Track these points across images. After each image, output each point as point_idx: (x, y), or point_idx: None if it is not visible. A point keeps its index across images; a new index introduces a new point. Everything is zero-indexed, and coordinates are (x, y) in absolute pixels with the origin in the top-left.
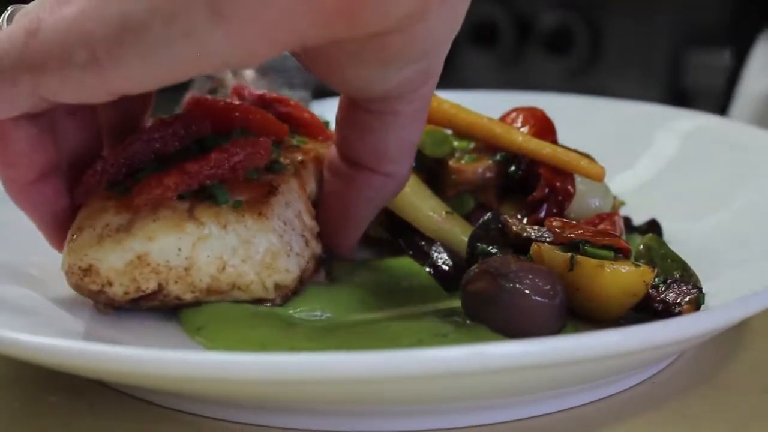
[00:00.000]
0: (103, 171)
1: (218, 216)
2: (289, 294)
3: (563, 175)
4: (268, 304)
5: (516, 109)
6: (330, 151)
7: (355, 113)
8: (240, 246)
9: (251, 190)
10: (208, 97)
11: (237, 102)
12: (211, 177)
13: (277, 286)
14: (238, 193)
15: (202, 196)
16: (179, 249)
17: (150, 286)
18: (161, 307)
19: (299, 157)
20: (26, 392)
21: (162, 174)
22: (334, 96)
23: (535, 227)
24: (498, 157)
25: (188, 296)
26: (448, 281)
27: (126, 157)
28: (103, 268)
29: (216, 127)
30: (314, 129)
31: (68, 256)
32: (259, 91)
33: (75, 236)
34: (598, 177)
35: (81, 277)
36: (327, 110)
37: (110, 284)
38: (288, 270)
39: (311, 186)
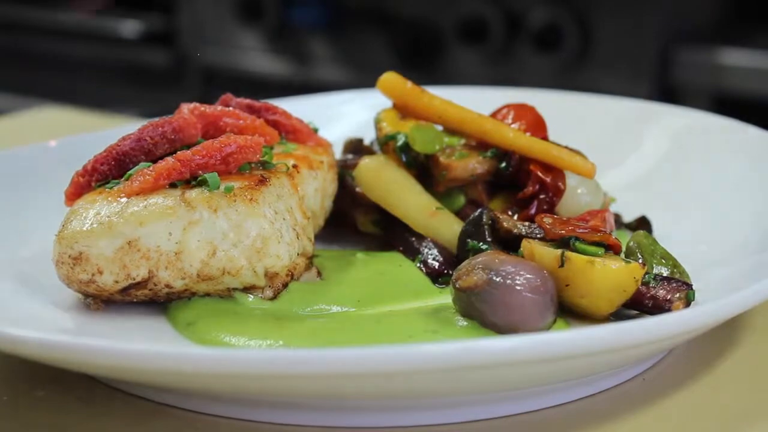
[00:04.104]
0: (93, 170)
1: (209, 201)
2: (280, 288)
3: (554, 171)
4: (260, 295)
5: (507, 106)
6: None
7: None
8: (230, 230)
9: (243, 180)
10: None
11: (227, 109)
12: (203, 167)
13: (268, 273)
14: (230, 183)
15: (193, 184)
16: (170, 233)
17: (140, 273)
18: (151, 299)
19: (291, 162)
20: (15, 386)
21: (155, 164)
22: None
23: (526, 224)
24: (489, 153)
25: (178, 283)
26: (438, 277)
27: (116, 157)
28: (93, 255)
29: (206, 132)
30: (303, 135)
31: (58, 245)
32: (247, 100)
33: (65, 226)
34: (588, 174)
35: (71, 266)
36: (316, 111)
37: (100, 273)
38: (278, 256)
39: (306, 190)
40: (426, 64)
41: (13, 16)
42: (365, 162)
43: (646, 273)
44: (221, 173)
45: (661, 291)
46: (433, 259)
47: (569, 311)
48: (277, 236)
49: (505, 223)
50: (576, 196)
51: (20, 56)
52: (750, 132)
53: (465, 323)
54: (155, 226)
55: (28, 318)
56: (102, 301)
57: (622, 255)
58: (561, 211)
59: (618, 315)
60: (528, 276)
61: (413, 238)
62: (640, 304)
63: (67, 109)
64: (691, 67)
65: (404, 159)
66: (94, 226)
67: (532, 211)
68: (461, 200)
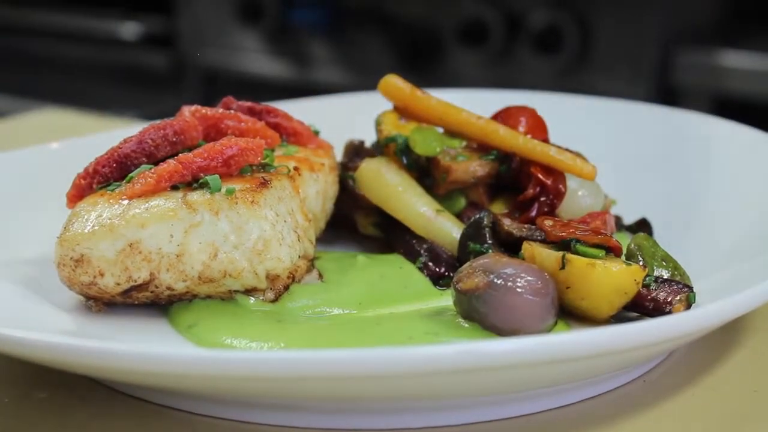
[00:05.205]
0: (94, 172)
1: (211, 203)
2: (281, 290)
3: (555, 173)
4: (261, 297)
5: (508, 108)
6: None
7: None
8: (232, 233)
9: (244, 183)
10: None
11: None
12: (204, 169)
13: (269, 275)
14: (232, 185)
15: (195, 187)
16: (171, 236)
17: (142, 275)
18: (153, 301)
19: (293, 164)
20: (16, 388)
21: (156, 166)
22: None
23: (527, 226)
24: (490, 156)
25: (180, 285)
26: (439, 279)
27: (117, 159)
28: (95, 257)
29: (207, 135)
30: (304, 138)
31: (60, 248)
32: (248, 103)
33: (67, 228)
34: (589, 176)
35: (73, 269)
36: (317, 114)
37: (102, 275)
38: (280, 258)
39: (307, 192)
40: (426, 66)
41: (14, 18)
42: (366, 164)
43: (647, 275)
44: (222, 176)
45: (661, 293)
46: (434, 261)
47: (570, 313)
48: (278, 238)
49: (505, 226)
50: (577, 199)
51: (21, 58)
52: (750, 134)
53: (466, 325)
54: (157, 229)
55: (29, 320)
56: (103, 303)
57: (623, 257)
58: (562, 213)
59: (619, 317)
60: (529, 278)
61: (414, 241)
62: (640, 307)
63: (68, 112)
64: (691, 68)
65: (405, 161)
66: (96, 228)
67: (533, 213)
68: (462, 202)
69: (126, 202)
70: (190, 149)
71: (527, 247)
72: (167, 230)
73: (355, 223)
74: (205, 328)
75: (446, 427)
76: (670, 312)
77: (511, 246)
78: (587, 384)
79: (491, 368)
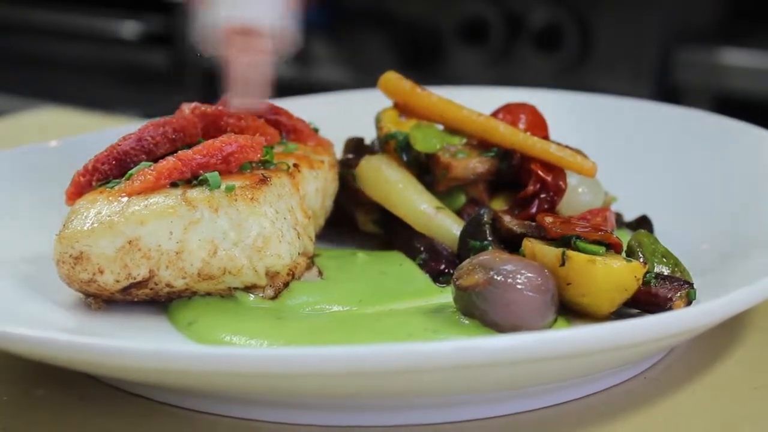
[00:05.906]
0: (94, 169)
1: (210, 200)
2: (281, 287)
3: (555, 170)
4: (261, 294)
5: (508, 105)
6: None
7: None
8: (231, 230)
9: (244, 180)
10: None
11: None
12: (204, 166)
13: (268, 272)
14: (231, 182)
15: (194, 184)
16: (171, 233)
17: (141, 272)
18: (152, 298)
19: (292, 161)
20: (15, 385)
21: (156, 163)
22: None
23: (527, 223)
24: (490, 152)
25: (179, 283)
26: (439, 276)
27: (117, 156)
28: (95, 254)
29: (207, 132)
30: (304, 135)
31: (59, 245)
32: None
33: (66, 225)
34: (589, 173)
35: (72, 266)
36: (316, 111)
37: (101, 272)
38: (279, 255)
39: (307, 189)
40: (427, 65)
41: (14, 18)
42: (366, 161)
43: (647, 272)
44: (222, 173)
45: (662, 290)
46: (434, 258)
47: (570, 310)
48: (278, 235)
49: (506, 223)
50: (577, 195)
51: (21, 58)
52: (751, 131)
53: (466, 322)
54: (156, 226)
55: (28, 317)
56: (103, 301)
57: (623, 254)
58: (562, 210)
59: (619, 314)
60: (529, 275)
61: (414, 238)
62: (641, 303)
63: (67, 110)
64: (692, 67)
65: (405, 158)
66: (95, 225)
67: (533, 210)
68: (462, 199)
69: (125, 199)
70: (189, 146)
71: (527, 244)
72: (167, 227)
73: (355, 221)
74: (205, 325)
75: (446, 423)
76: (670, 308)
77: (511, 243)
78: (587, 381)
79: (491, 364)
